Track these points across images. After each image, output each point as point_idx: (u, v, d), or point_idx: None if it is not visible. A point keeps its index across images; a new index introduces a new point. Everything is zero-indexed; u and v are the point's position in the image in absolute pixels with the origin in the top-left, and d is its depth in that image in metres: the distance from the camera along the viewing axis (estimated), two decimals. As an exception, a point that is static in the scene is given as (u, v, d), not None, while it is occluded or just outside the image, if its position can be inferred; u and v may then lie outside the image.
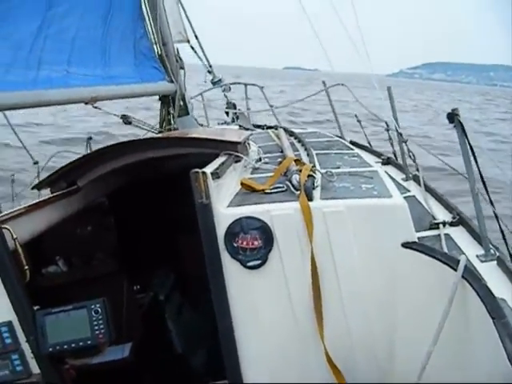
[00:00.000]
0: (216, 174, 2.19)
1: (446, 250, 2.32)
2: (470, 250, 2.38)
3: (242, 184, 2.39)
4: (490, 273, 2.14)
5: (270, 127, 5.87)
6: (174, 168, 3.39)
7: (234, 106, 6.78)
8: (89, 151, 5.18)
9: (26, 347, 2.28)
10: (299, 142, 3.92)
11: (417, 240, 2.14)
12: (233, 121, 6.43)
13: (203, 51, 6.43)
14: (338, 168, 2.81)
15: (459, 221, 2.75)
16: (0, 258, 2.14)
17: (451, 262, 1.92)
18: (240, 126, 5.90)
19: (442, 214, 2.89)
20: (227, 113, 6.72)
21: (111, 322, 2.32)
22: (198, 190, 2.00)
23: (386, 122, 4.69)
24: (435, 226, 2.66)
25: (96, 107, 3.85)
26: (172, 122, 5.16)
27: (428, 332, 1.83)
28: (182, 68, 5.21)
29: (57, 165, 3.21)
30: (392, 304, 2.11)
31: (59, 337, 2.27)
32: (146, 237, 3.74)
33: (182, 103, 5.14)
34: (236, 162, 2.85)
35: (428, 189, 3.33)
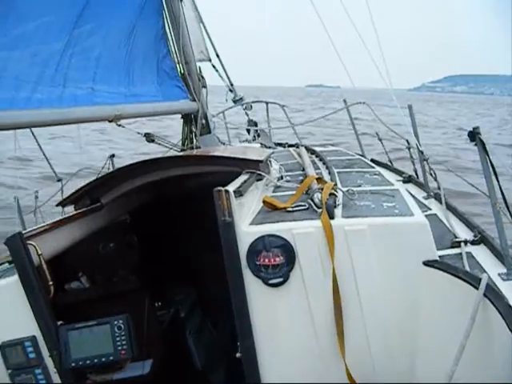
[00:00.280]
0: (238, 192, 2.20)
1: (467, 268, 2.29)
2: (491, 268, 2.34)
3: (264, 202, 2.40)
4: None
5: (292, 145, 5.89)
6: (196, 186, 3.42)
7: (255, 124, 6.83)
8: (111, 168, 5.26)
9: (49, 362, 2.31)
10: (320, 160, 3.93)
11: (438, 258, 2.12)
12: (254, 139, 6.45)
13: (224, 69, 6.52)
14: (360, 186, 2.81)
15: (481, 239, 2.71)
16: (25, 273, 2.18)
17: (473, 280, 1.90)
18: (261, 144, 5.94)
19: (463, 233, 2.85)
20: (248, 130, 6.76)
21: (133, 339, 2.34)
22: (220, 208, 2.02)
23: (407, 140, 4.66)
24: (457, 245, 2.62)
25: (119, 125, 3.90)
26: (194, 140, 5.20)
27: (449, 351, 1.81)
28: (205, 87, 5.25)
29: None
30: (413, 322, 2.09)
31: (82, 352, 2.29)
32: (168, 254, 3.76)
33: (204, 121, 5.18)
34: (258, 180, 2.87)
35: (449, 207, 3.30)
